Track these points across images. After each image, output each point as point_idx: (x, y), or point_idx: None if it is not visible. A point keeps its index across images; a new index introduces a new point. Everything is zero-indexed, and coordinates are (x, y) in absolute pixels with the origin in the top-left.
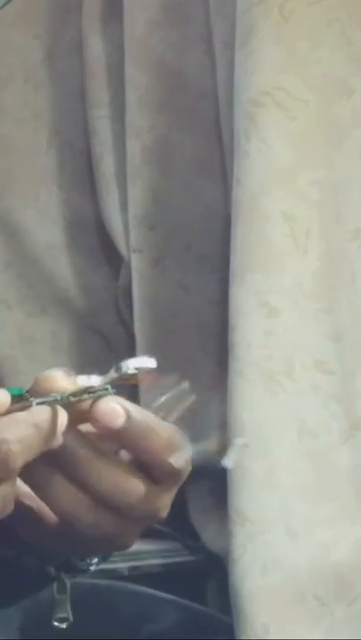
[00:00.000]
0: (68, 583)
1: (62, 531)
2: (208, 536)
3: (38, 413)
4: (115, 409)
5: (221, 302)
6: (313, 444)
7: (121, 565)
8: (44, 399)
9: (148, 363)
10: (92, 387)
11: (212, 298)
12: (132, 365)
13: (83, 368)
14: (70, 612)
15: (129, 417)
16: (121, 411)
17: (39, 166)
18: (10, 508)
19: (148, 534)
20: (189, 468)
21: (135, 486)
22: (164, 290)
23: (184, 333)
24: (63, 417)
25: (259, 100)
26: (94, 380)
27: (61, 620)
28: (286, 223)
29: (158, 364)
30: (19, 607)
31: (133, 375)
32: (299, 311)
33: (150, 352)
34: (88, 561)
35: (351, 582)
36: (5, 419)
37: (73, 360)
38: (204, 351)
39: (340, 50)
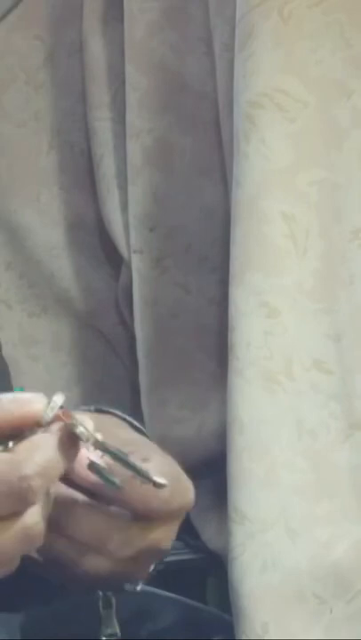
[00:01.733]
0: (114, 599)
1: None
2: (208, 534)
3: (59, 432)
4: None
5: (221, 302)
6: (312, 443)
7: None
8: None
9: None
10: None
11: (212, 298)
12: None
13: (84, 368)
14: (118, 627)
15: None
16: (85, 456)
17: (40, 167)
18: (39, 535)
19: None
20: (181, 501)
21: (114, 529)
22: (165, 290)
23: (184, 333)
24: (89, 425)
25: (258, 101)
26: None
27: (110, 636)
28: (286, 224)
29: (158, 363)
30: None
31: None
32: (298, 311)
33: (150, 352)
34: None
35: (351, 581)
36: (25, 445)
37: (74, 360)
38: (204, 351)
39: (340, 52)
